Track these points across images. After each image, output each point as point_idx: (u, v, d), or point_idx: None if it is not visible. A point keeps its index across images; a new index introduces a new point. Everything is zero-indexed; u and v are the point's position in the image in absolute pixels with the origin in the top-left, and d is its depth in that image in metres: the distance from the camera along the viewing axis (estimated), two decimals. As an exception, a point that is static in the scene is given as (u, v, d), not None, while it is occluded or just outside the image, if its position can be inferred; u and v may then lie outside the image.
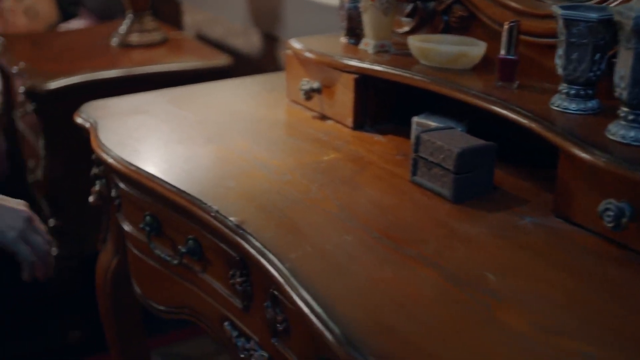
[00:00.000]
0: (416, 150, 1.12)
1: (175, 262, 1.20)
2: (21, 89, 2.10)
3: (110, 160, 1.27)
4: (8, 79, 2.52)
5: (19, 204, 1.12)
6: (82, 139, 1.45)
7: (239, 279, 1.06)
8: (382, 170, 1.19)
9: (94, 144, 1.35)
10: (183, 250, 1.17)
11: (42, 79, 2.06)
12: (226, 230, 1.03)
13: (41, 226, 1.14)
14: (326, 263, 0.92)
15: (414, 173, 1.13)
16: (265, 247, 0.96)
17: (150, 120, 1.45)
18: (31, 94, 2.06)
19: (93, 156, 1.39)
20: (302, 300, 0.85)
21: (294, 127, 1.41)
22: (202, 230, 1.13)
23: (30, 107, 2.13)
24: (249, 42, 2.44)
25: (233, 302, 1.11)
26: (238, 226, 1.02)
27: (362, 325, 0.80)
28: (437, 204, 1.08)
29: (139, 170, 1.22)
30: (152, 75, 2.15)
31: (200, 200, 1.09)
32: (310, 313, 0.84)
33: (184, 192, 1.13)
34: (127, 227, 1.34)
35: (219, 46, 2.57)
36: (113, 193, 1.36)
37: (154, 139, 1.35)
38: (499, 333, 0.78)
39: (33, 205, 1.33)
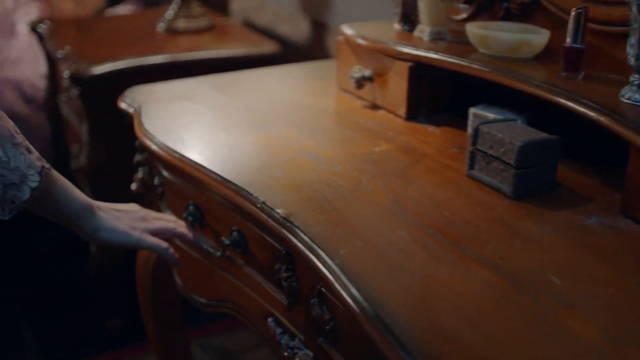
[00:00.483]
0: (474, 143, 1.06)
1: (219, 254, 1.15)
2: (66, 74, 2.08)
3: (154, 147, 1.24)
4: (54, 63, 2.51)
5: (131, 206, 1.15)
6: (126, 124, 1.42)
7: (284, 274, 1.01)
8: (437, 163, 1.14)
9: (137, 130, 1.32)
10: (227, 242, 1.13)
11: (87, 63, 2.04)
12: (272, 223, 0.99)
13: (158, 214, 1.15)
14: (378, 260, 0.87)
15: (471, 167, 1.08)
16: (313, 241, 0.91)
17: (196, 106, 1.41)
18: (76, 79, 2.04)
19: (136, 142, 1.36)
20: (352, 299, 0.81)
21: (344, 116, 1.36)
22: (247, 222, 1.08)
23: (74, 91, 2.11)
24: (297, 29, 2.40)
25: (278, 297, 1.06)
26: (285, 218, 0.97)
27: (416, 328, 0.75)
28: (496, 200, 1.02)
29: (182, 158, 1.18)
30: (198, 62, 2.12)
31: (246, 191, 1.05)
32: (361, 313, 0.79)
33: (229, 181, 1.08)
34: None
35: (266, 33, 2.53)
36: (156, 181, 1.33)
37: (199, 125, 1.31)
38: (566, 342, 0.72)
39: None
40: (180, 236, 1.17)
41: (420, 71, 1.30)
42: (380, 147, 1.20)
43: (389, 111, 1.36)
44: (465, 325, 0.75)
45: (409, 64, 1.30)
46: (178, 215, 1.26)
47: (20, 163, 0.90)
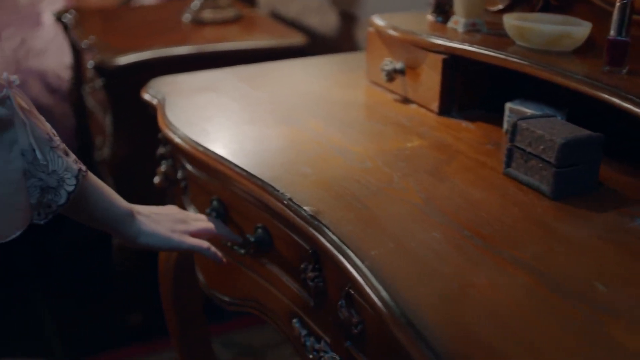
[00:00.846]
0: (512, 140, 1.01)
1: (243, 251, 1.12)
2: (90, 64, 2.06)
3: (177, 140, 1.20)
4: (79, 53, 2.49)
5: (170, 208, 1.14)
6: (151, 116, 1.39)
7: (310, 274, 0.97)
8: (471, 160, 1.09)
9: (160, 122, 1.28)
10: (251, 239, 1.09)
11: (111, 53, 2.01)
12: (299, 221, 0.95)
13: (197, 215, 1.14)
14: (410, 262, 0.83)
15: (507, 164, 1.03)
16: (342, 241, 0.87)
17: (221, 98, 1.37)
18: (100, 69, 2.01)
19: (159, 135, 1.32)
20: (382, 303, 0.76)
21: (374, 110, 1.32)
22: (273, 219, 1.05)
23: (99, 82, 2.08)
24: (325, 20, 2.36)
25: (303, 298, 1.02)
26: (313, 217, 0.93)
27: (448, 334, 0.71)
28: (534, 200, 0.97)
29: (206, 152, 1.14)
30: (224, 53, 2.09)
31: (272, 187, 1.01)
32: (391, 317, 0.75)
33: (254, 176, 1.04)
34: (192, 211, 1.26)
35: (293, 25, 2.49)
36: (179, 174, 1.29)
37: (224, 118, 1.27)
38: (613, 354, 0.68)
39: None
40: (220, 236, 1.14)
41: (454, 64, 1.25)
42: (412, 143, 1.15)
43: (420, 105, 1.31)
44: (501, 333, 0.70)
45: (443, 56, 1.25)
46: (201, 210, 1.22)
47: (58, 166, 0.89)
